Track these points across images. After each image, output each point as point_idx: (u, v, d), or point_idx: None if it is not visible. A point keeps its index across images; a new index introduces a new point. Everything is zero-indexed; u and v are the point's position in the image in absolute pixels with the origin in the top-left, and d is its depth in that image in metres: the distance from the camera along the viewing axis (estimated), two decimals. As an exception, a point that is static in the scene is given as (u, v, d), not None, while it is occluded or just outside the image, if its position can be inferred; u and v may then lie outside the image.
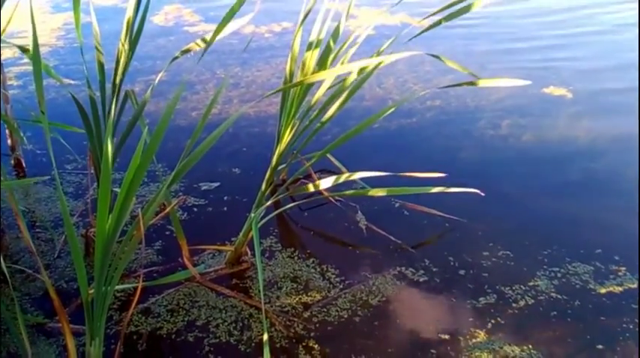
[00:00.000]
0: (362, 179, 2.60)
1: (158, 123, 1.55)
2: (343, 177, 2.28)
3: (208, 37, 2.04)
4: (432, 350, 2.00)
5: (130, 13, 2.12)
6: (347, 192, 2.60)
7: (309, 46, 2.30)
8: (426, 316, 2.14)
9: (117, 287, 2.01)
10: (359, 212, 2.66)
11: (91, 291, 1.67)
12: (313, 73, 2.28)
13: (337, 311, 2.14)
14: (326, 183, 2.28)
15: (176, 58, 2.14)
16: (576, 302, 2.18)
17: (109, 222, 1.56)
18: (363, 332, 2.06)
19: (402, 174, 2.45)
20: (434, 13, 2.33)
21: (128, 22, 2.12)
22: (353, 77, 2.36)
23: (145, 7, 2.15)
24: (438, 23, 2.24)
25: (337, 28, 2.36)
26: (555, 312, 2.15)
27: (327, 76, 2.16)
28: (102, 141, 2.22)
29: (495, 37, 4.76)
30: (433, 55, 2.41)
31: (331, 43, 2.32)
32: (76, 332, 1.90)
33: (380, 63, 2.06)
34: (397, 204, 2.69)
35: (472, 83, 2.31)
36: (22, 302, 2.13)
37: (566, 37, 4.78)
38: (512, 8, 5.41)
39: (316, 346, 2.00)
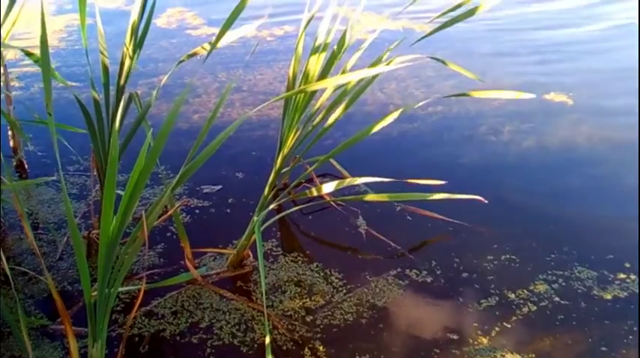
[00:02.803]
0: (364, 183, 2.61)
1: (162, 125, 1.55)
2: (346, 183, 2.28)
3: (212, 41, 2.05)
4: (436, 350, 2.00)
5: (135, 16, 2.13)
6: (349, 197, 2.61)
7: (313, 52, 2.30)
8: (430, 319, 2.14)
9: (120, 289, 2.01)
10: (359, 217, 2.65)
11: (94, 293, 1.66)
12: (317, 79, 2.28)
13: (341, 314, 2.14)
14: (328, 187, 2.28)
15: (182, 61, 2.14)
16: (581, 307, 2.18)
17: (113, 224, 1.56)
18: (368, 335, 2.06)
19: (403, 180, 2.45)
20: (437, 17, 2.34)
21: (133, 25, 2.12)
22: (356, 82, 2.37)
23: (150, 11, 2.16)
24: (441, 27, 2.25)
25: (345, 35, 2.37)
26: (562, 316, 2.14)
27: (331, 84, 2.17)
28: (105, 142, 2.22)
29: (496, 40, 4.78)
30: (437, 59, 2.42)
31: (336, 48, 2.33)
32: (78, 335, 1.90)
33: (383, 70, 2.06)
34: (399, 208, 2.69)
35: (477, 94, 2.31)
36: (25, 304, 2.12)
37: (568, 42, 4.80)
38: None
39: (321, 348, 1.99)
